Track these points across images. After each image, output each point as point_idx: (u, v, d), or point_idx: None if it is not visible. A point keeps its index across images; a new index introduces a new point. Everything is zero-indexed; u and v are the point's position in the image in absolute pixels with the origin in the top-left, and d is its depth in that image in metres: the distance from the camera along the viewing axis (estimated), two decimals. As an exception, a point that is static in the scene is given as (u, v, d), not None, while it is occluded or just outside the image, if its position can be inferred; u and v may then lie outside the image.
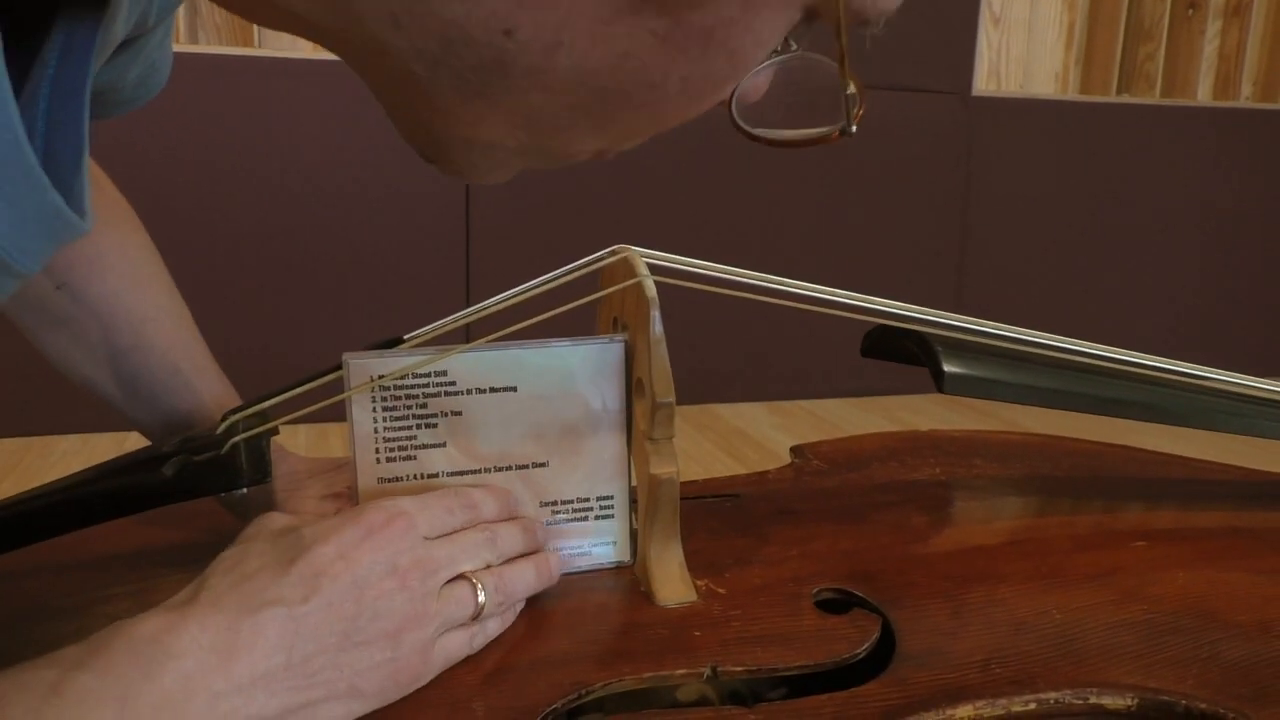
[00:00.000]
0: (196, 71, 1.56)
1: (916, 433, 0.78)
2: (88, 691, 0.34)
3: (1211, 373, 0.61)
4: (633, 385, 0.51)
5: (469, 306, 0.51)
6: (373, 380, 0.48)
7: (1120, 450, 0.76)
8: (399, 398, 0.49)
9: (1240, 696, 0.44)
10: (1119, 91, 2.10)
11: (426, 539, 0.44)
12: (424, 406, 0.49)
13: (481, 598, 0.45)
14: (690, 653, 0.45)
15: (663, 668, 0.44)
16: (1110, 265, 2.12)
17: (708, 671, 0.44)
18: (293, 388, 0.51)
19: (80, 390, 0.61)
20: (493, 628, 0.46)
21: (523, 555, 0.48)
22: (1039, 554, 0.57)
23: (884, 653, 0.46)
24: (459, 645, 0.44)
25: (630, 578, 0.52)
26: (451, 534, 0.46)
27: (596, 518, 0.52)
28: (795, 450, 0.72)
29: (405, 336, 0.51)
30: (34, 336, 0.60)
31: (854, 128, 0.34)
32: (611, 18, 0.30)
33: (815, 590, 0.51)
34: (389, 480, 0.49)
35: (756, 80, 0.35)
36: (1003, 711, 0.43)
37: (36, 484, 0.52)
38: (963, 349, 0.56)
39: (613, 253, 0.52)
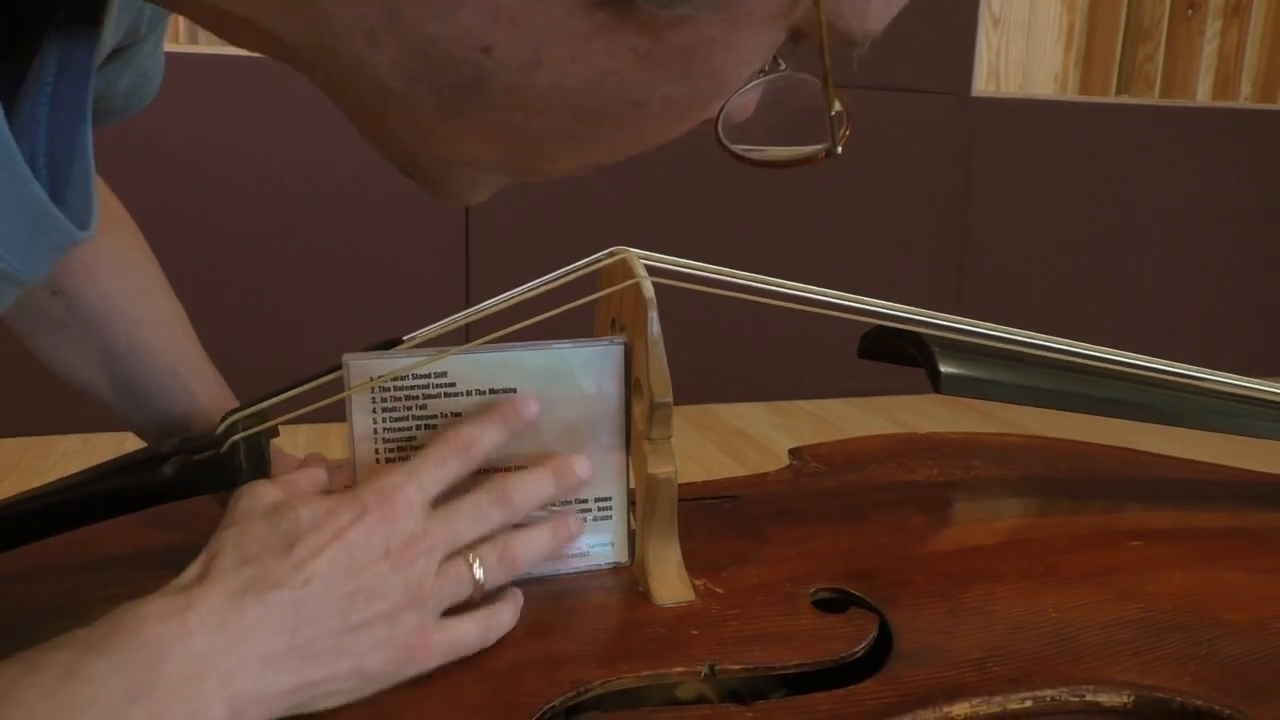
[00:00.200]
0: (195, 73, 1.56)
1: (914, 435, 0.78)
2: (99, 673, 0.35)
3: (1205, 373, 0.61)
4: (631, 386, 0.51)
5: (469, 307, 0.52)
6: (372, 381, 0.48)
7: (1118, 451, 0.76)
8: (398, 398, 0.49)
9: (1236, 694, 0.44)
10: (1118, 92, 2.10)
11: (426, 508, 0.44)
12: (423, 407, 0.49)
13: (479, 575, 0.45)
14: (688, 651, 0.45)
15: (661, 666, 0.44)
16: (1110, 265, 2.12)
17: (705, 670, 0.45)
18: (293, 388, 0.51)
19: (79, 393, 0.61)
20: (506, 619, 0.46)
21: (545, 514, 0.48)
22: (1036, 553, 0.57)
23: (881, 651, 0.47)
24: (471, 634, 0.44)
25: (629, 577, 0.52)
26: (455, 501, 0.45)
27: (595, 519, 0.52)
28: (794, 452, 0.72)
29: (405, 337, 0.51)
30: (32, 341, 0.60)
31: (839, 149, 0.34)
32: (590, 35, 0.30)
33: (813, 590, 0.51)
34: None
35: (744, 99, 0.35)
36: (999, 709, 0.43)
37: (36, 484, 0.53)
38: (959, 349, 0.56)
39: (611, 254, 0.52)
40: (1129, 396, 0.60)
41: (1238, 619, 0.50)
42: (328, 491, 0.56)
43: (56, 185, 0.37)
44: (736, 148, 0.37)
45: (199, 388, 0.60)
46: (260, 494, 0.44)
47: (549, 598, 0.50)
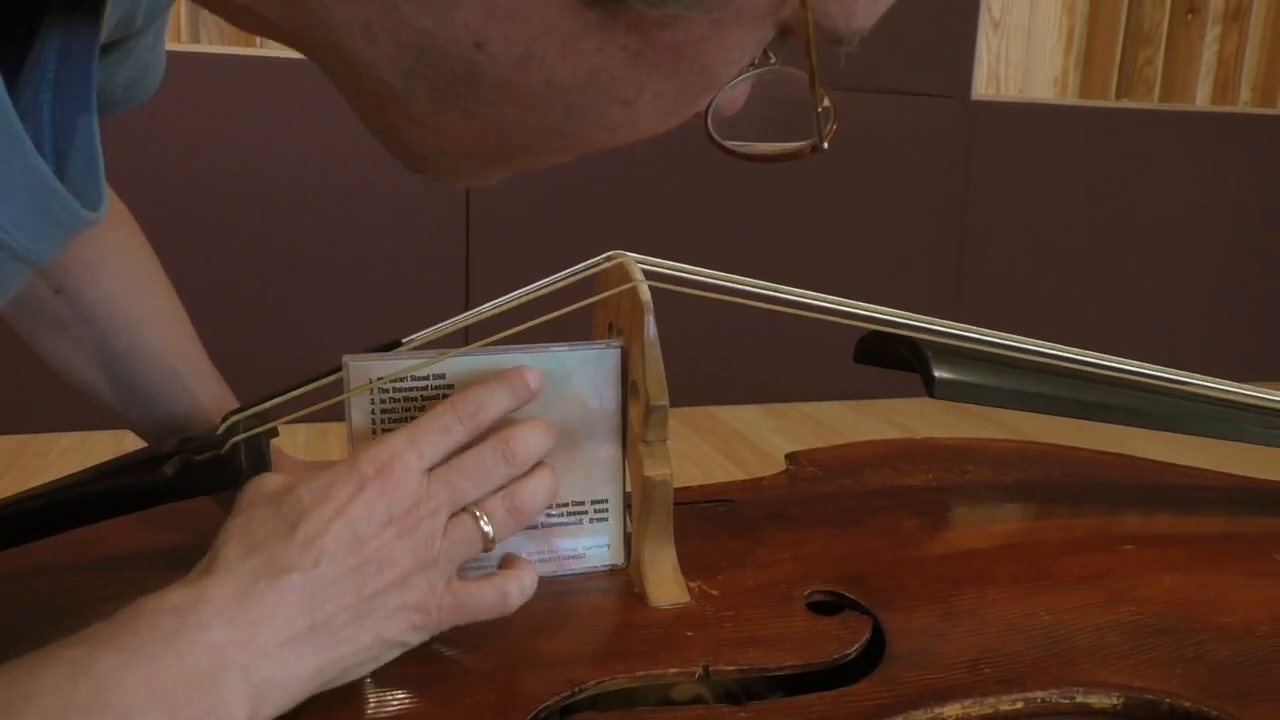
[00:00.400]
0: (197, 71, 1.57)
1: (910, 440, 0.78)
2: (116, 669, 0.35)
3: (1198, 379, 0.62)
4: (628, 389, 0.52)
5: (469, 309, 0.52)
6: (371, 382, 0.49)
7: (1112, 457, 0.77)
8: (397, 400, 0.49)
9: (1224, 695, 0.45)
10: (1118, 96, 2.11)
11: (427, 472, 0.44)
12: (422, 409, 0.50)
13: (487, 529, 0.45)
14: (683, 652, 0.46)
15: (655, 667, 0.45)
16: (1109, 269, 2.12)
17: (699, 671, 0.45)
18: (293, 389, 0.52)
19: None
20: (528, 580, 0.46)
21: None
22: (1030, 557, 0.58)
23: (875, 653, 0.47)
24: (487, 597, 0.45)
25: (624, 579, 0.53)
26: (456, 459, 0.45)
27: (591, 521, 0.53)
28: (790, 457, 0.73)
29: (404, 340, 0.52)
30: (33, 340, 0.60)
31: (825, 144, 0.35)
32: (582, 33, 0.31)
33: (807, 592, 0.52)
34: None
35: (733, 93, 0.35)
36: (990, 710, 0.44)
37: (35, 481, 0.53)
38: (954, 355, 0.56)
39: (609, 258, 0.53)
40: (1123, 402, 0.60)
41: (1227, 622, 0.51)
42: None
43: (60, 168, 0.37)
44: (725, 142, 0.37)
45: (199, 388, 0.61)
46: (264, 483, 0.44)
47: (546, 598, 0.50)
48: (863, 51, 0.34)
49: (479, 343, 0.50)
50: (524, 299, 0.51)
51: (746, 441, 1.69)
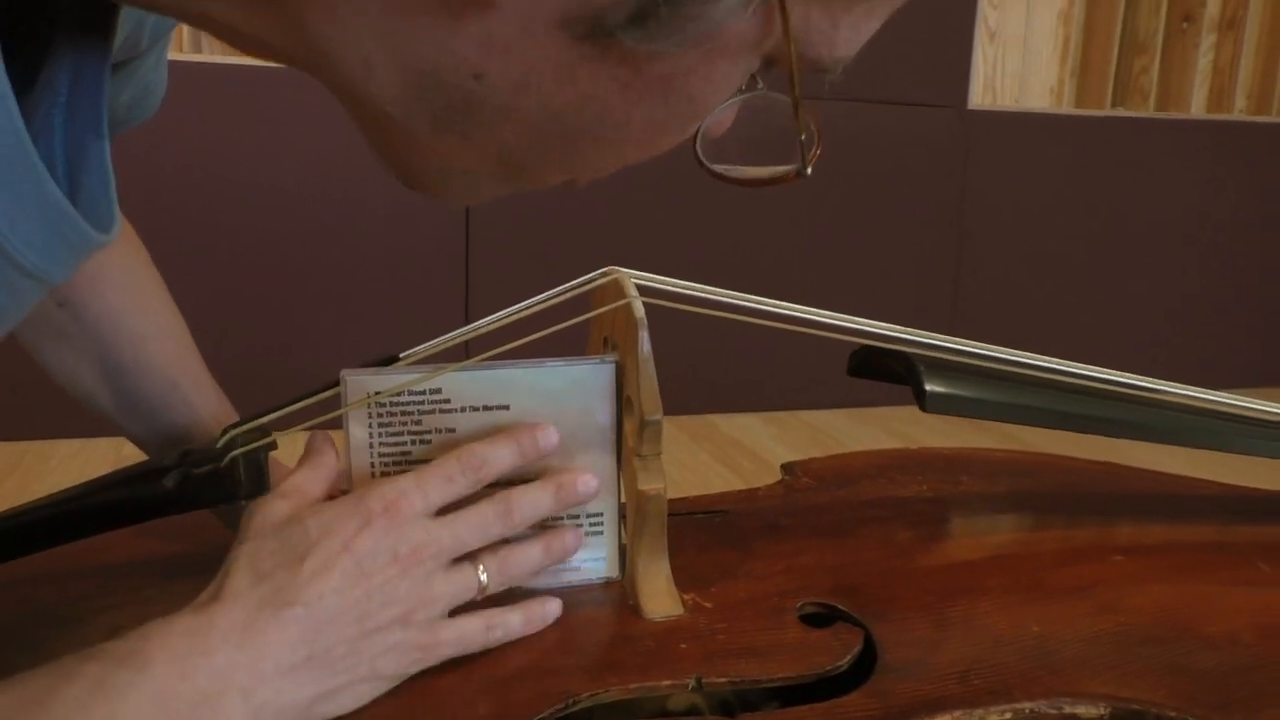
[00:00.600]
0: (199, 82, 1.57)
1: (905, 450, 0.79)
2: (128, 687, 0.37)
3: (1191, 390, 0.63)
4: (623, 403, 0.52)
5: (468, 322, 0.53)
6: (369, 396, 0.49)
7: (1105, 467, 0.77)
8: (394, 414, 0.50)
9: (1210, 705, 0.45)
10: (1114, 105, 2.11)
11: (431, 516, 0.46)
12: (418, 423, 0.50)
13: (484, 578, 0.46)
14: (676, 664, 0.46)
15: (649, 679, 0.45)
16: (1106, 278, 2.13)
17: (692, 683, 0.45)
18: (291, 403, 0.52)
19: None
20: (515, 624, 0.48)
21: (542, 528, 0.50)
22: (1021, 568, 0.58)
23: (867, 665, 0.48)
24: (474, 632, 0.46)
25: (619, 591, 0.53)
26: (460, 510, 0.47)
27: (586, 534, 0.53)
28: (785, 467, 0.73)
29: (401, 355, 0.52)
30: (36, 351, 0.61)
31: (809, 170, 0.36)
32: (576, 64, 0.32)
33: (799, 604, 0.52)
34: None
35: (720, 116, 0.37)
36: (979, 722, 0.44)
37: (35, 488, 0.54)
38: (946, 368, 0.57)
39: (604, 274, 0.54)
40: (1116, 414, 0.61)
41: (1213, 631, 0.51)
42: (335, 487, 0.57)
43: (73, 190, 0.38)
44: (713, 167, 0.39)
45: (199, 401, 0.61)
46: (271, 510, 0.46)
47: (541, 610, 0.51)
48: (858, 62, 0.35)
49: (476, 358, 0.50)
50: (520, 315, 0.52)
51: (745, 450, 1.69)
